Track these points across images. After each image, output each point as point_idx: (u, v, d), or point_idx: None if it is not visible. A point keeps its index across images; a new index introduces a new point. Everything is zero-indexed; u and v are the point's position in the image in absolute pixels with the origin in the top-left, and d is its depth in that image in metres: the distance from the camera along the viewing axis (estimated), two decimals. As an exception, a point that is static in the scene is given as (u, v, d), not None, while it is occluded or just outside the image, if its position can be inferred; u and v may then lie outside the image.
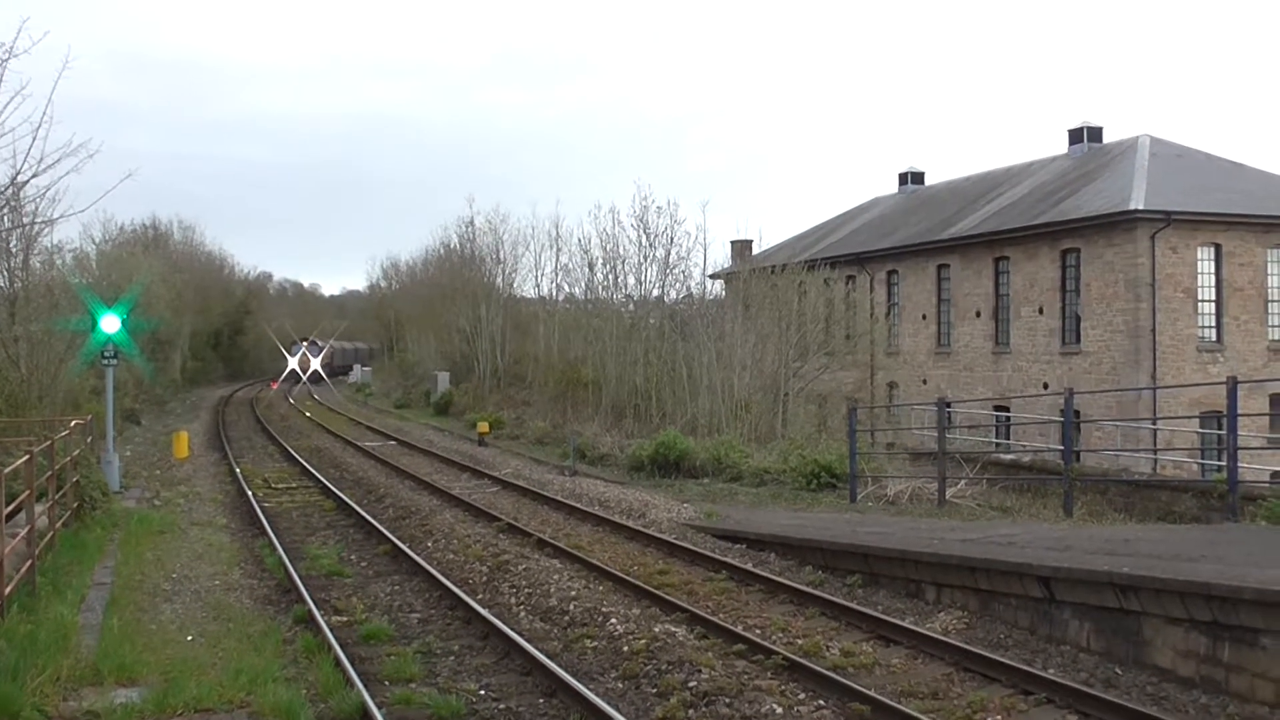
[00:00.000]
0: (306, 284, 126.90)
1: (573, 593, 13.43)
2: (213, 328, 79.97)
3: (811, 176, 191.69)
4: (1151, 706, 9.01)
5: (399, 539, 17.45)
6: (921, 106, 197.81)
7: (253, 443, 36.93)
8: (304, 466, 28.43)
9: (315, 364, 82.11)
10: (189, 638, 11.09)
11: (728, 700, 9.37)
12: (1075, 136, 42.17)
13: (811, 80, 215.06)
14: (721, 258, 50.51)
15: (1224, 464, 17.25)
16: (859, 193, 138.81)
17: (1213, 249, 33.30)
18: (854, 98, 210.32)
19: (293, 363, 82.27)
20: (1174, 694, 9.40)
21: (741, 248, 52.61)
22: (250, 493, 22.81)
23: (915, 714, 8.75)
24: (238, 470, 26.93)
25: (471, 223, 60.47)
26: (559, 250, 51.52)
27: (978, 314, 38.95)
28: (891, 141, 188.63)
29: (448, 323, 58.15)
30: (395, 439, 37.41)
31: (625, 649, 11.06)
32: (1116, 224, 32.84)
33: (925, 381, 41.02)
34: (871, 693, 9.31)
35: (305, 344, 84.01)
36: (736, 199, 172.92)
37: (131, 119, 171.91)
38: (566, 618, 12.46)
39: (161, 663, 9.78)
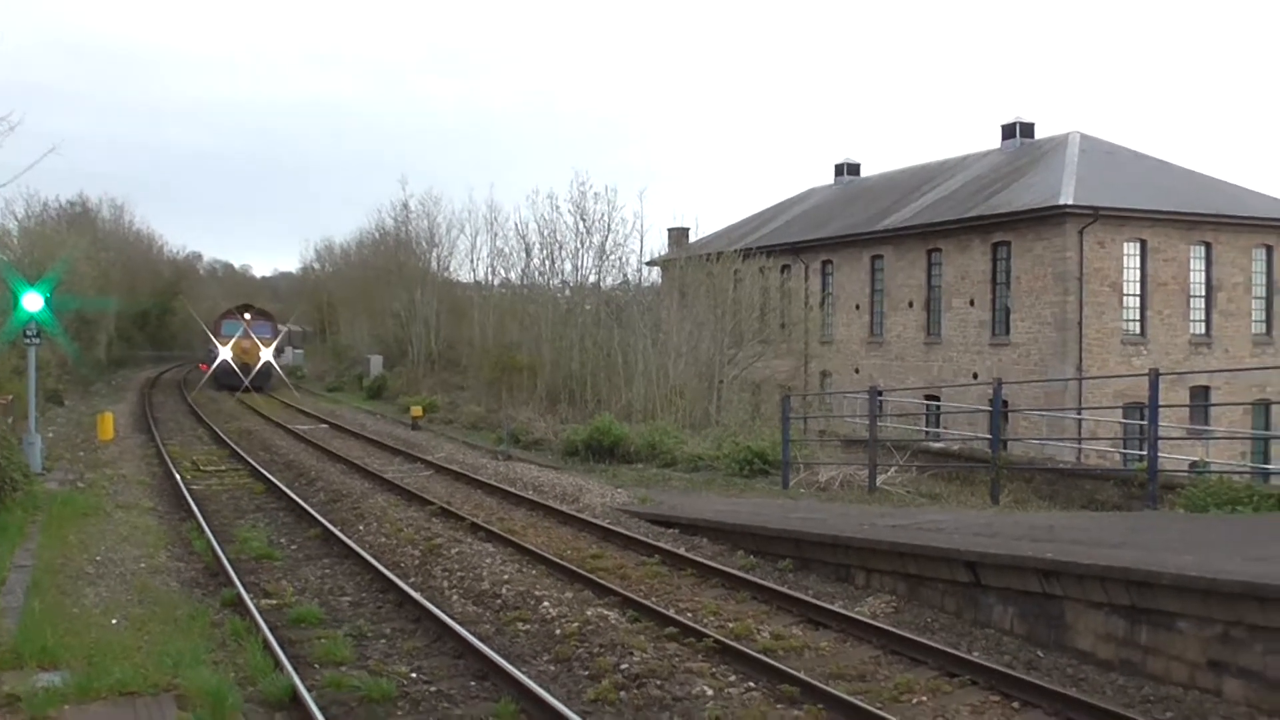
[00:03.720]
0: (237, 265, 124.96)
1: (506, 576, 13.42)
2: (140, 308, 78.26)
3: (749, 166, 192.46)
4: (1071, 688, 9.23)
5: (330, 522, 17.31)
6: (859, 99, 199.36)
7: (180, 425, 36.36)
8: (233, 449, 28.05)
9: (266, 354, 53.54)
10: (114, 621, 10.91)
11: (659, 682, 9.43)
12: (1008, 132, 42.82)
13: (749, 72, 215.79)
14: (659, 245, 50.65)
15: (1145, 453, 17.64)
16: (796, 183, 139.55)
17: (1138, 244, 34.03)
18: (792, 89, 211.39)
19: (224, 352, 52.79)
20: (1093, 676, 9.64)
21: (679, 235, 52.74)
22: (178, 475, 22.48)
23: (843, 695, 8.88)
24: (165, 452, 26.51)
25: (405, 205, 59.97)
26: (495, 235, 51.31)
27: (910, 305, 39.43)
28: (828, 133, 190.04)
29: (381, 306, 57.66)
30: (327, 422, 37.06)
31: (558, 632, 11.09)
32: (1046, 218, 33.42)
33: (858, 370, 41.46)
34: (801, 675, 9.43)
35: (246, 318, 54.72)
36: (675, 188, 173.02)
37: (65, 102, 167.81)
38: (499, 601, 12.46)
39: (85, 646, 9.61)
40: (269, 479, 22.29)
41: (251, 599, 12.16)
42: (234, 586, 12.70)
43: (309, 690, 9.10)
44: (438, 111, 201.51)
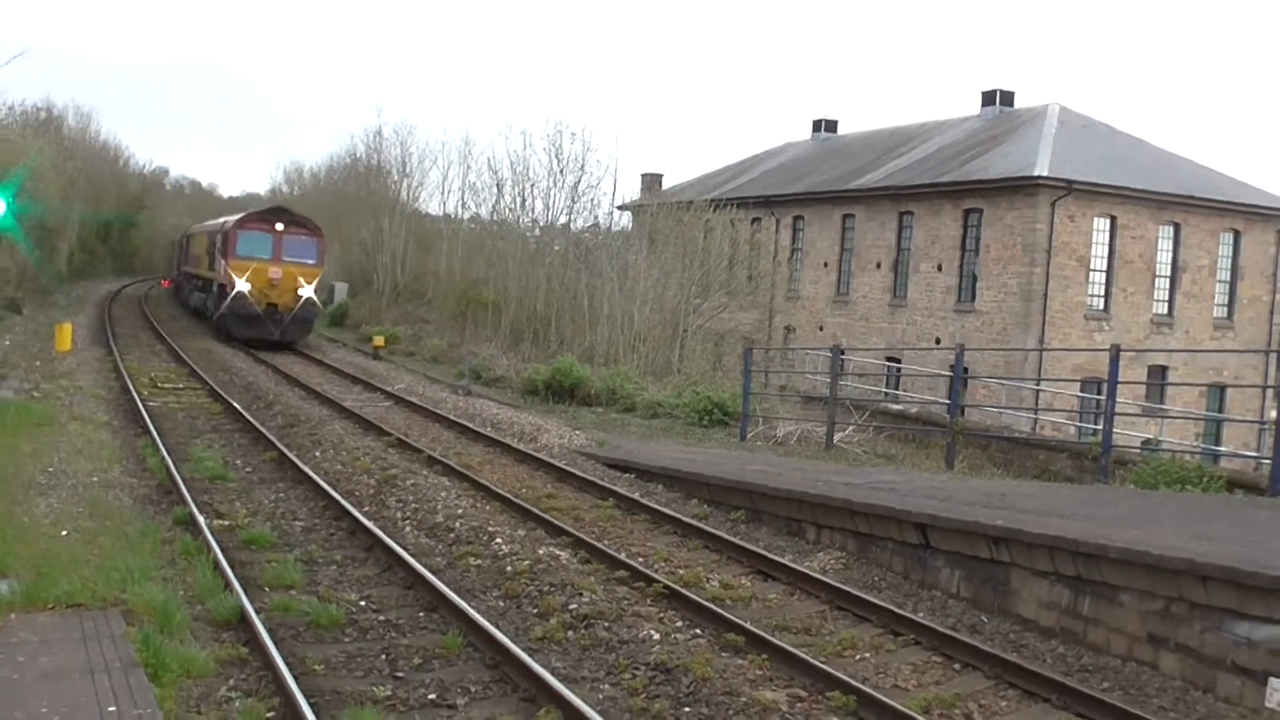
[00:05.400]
0: (205, 183, 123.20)
1: (460, 511, 13.44)
2: (104, 220, 76.96)
3: (728, 118, 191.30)
4: (1011, 653, 9.39)
5: (286, 447, 17.24)
6: (842, 56, 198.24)
7: (140, 340, 35.98)
8: (192, 368, 27.83)
9: (308, 290, 34.53)
10: (64, 533, 10.84)
11: (607, 624, 9.51)
12: (988, 99, 42.76)
13: (733, 24, 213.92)
14: (632, 191, 50.41)
15: (1100, 428, 17.86)
16: (773, 136, 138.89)
17: (1109, 220, 34.20)
18: (775, 43, 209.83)
19: (240, 284, 33.81)
20: (1034, 643, 9.81)
21: (651, 181, 52.51)
22: (135, 391, 22.28)
23: (787, 647, 8.99)
24: (123, 367, 26.24)
25: (379, 133, 59.29)
26: (468, 168, 50.91)
27: (878, 266, 39.52)
28: (808, 88, 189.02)
29: (349, 233, 57.08)
30: (288, 347, 36.75)
31: (509, 569, 11.14)
32: (1019, 188, 33.48)
33: (822, 328, 41.59)
34: (747, 624, 9.54)
35: (278, 229, 34.84)
36: (652, 134, 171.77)
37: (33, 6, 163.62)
38: (452, 535, 12.48)
39: (33, 556, 9.55)
40: (226, 400, 22.13)
41: (203, 519, 12.11)
42: (186, 505, 12.64)
43: (257, 612, 9.11)
44: (414, 49, 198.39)
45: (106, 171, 77.29)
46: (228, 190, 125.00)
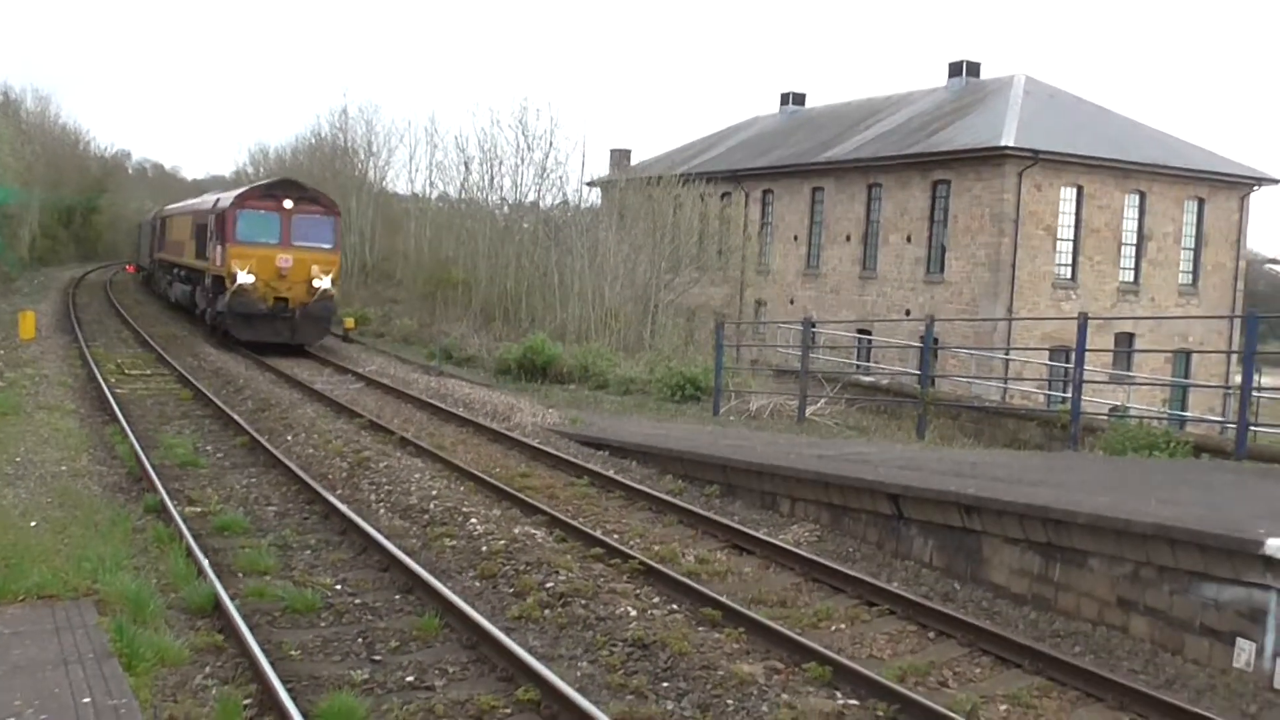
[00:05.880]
0: (168, 166, 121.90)
1: (434, 492, 13.42)
2: (65, 204, 75.98)
3: (696, 92, 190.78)
4: (985, 620, 9.49)
5: (257, 431, 17.14)
6: (809, 29, 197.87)
7: (105, 326, 35.63)
8: (159, 353, 27.59)
9: (325, 281, 28.50)
10: (33, 524, 10.74)
11: (584, 601, 9.53)
12: (954, 70, 42.87)
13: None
14: (601, 167, 50.24)
15: (1069, 396, 18.02)
16: (742, 110, 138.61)
17: (1075, 190, 34.41)
18: (742, 15, 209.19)
19: (242, 276, 27.64)
20: (1006, 610, 9.91)
21: (620, 157, 52.35)
22: (102, 378, 22.07)
23: (763, 620, 9.05)
24: (89, 354, 25.99)
25: (344, 112, 58.85)
26: (435, 147, 50.66)
27: (848, 238, 39.62)
28: (776, 61, 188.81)
29: (316, 214, 56.57)
30: (257, 330, 36.45)
31: (484, 549, 11.14)
32: (987, 159, 33.62)
33: (793, 301, 41.69)
34: (723, 599, 9.58)
35: (286, 206, 28.52)
36: (620, 110, 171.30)
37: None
38: (426, 516, 12.46)
39: (2, 547, 9.46)
40: (195, 385, 21.97)
41: (175, 506, 12.03)
42: (157, 493, 12.54)
43: (232, 599, 9.07)
44: (379, 29, 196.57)
45: (67, 155, 76.30)
46: (191, 173, 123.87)
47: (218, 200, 31.15)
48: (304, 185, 30.59)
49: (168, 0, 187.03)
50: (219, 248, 28.90)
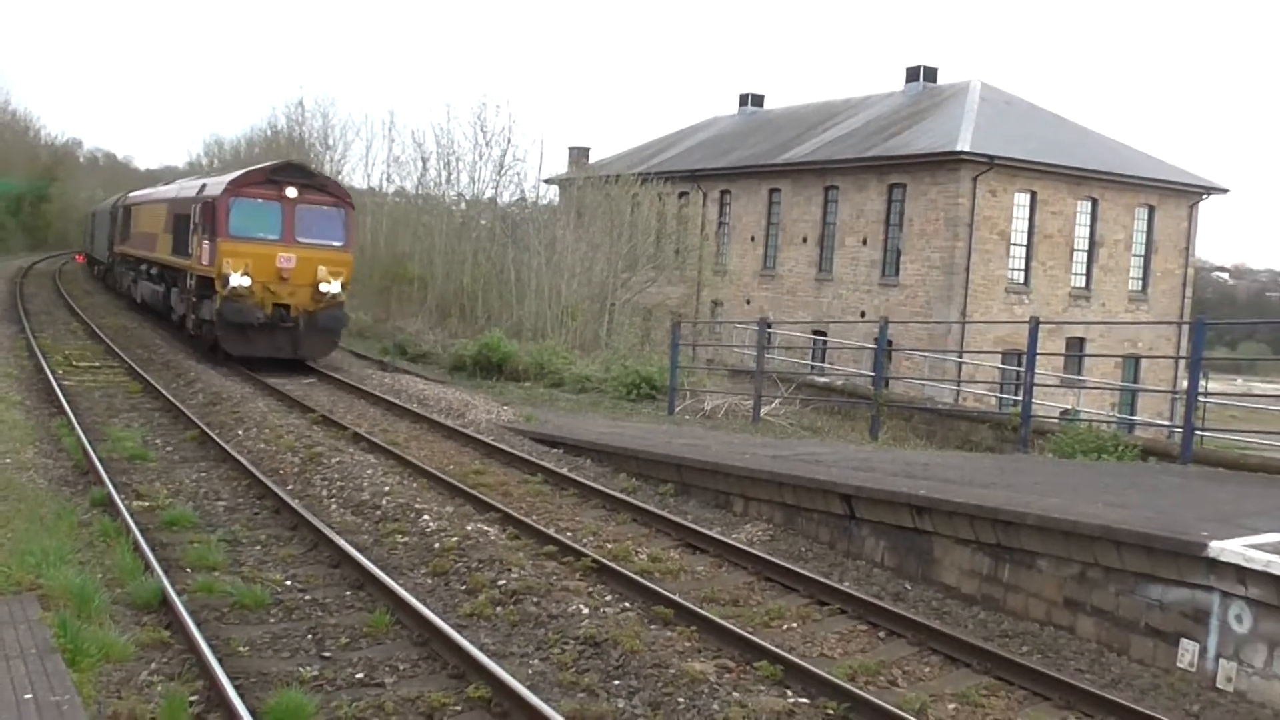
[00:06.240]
0: (121, 155, 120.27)
1: (386, 488, 13.33)
2: (14, 192, 74.66)
3: (656, 92, 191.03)
4: (935, 620, 9.57)
5: (208, 425, 16.95)
6: (769, 31, 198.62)
7: (54, 317, 35.07)
8: (109, 345, 27.20)
9: (334, 285, 24.04)
10: (-25, 516, 10.57)
11: (536, 599, 9.50)
12: (912, 75, 43.19)
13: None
14: (559, 165, 50.15)
15: (1020, 399, 18.21)
16: (701, 110, 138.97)
17: (1029, 195, 34.79)
18: (702, 16, 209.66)
19: (235, 278, 23.23)
20: (956, 609, 10.00)
21: (579, 155, 52.26)
22: (49, 369, 21.73)
23: (715, 618, 9.07)
24: (36, 345, 25.58)
25: (300, 105, 58.40)
26: (392, 141, 50.34)
27: (804, 240, 39.80)
28: (736, 63, 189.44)
29: (271, 207, 56.03)
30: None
31: (437, 545, 11.08)
32: (942, 164, 33.90)
33: (749, 302, 41.83)
34: (675, 597, 9.60)
35: (289, 196, 23.93)
36: (579, 108, 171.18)
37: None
38: (379, 512, 12.38)
39: (-56, 540, 9.31)
40: (145, 378, 21.69)
41: (122, 499, 11.87)
42: (104, 486, 12.36)
43: (179, 594, 8.96)
44: (337, 22, 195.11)
45: (16, 142, 75.10)
46: (145, 163, 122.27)
47: (204, 186, 26.56)
48: (310, 170, 26.28)
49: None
50: (207, 243, 24.29)
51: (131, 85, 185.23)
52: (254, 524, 11.91)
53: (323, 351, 24.92)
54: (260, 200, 23.89)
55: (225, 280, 23.28)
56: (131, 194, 39.82)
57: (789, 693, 7.93)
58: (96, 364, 24.39)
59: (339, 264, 24.24)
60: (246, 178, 24.54)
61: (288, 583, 9.91)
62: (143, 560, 9.73)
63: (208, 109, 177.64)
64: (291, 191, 24.00)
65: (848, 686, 7.81)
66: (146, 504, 12.30)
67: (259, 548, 11.04)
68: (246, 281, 23.26)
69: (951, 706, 7.92)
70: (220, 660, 7.66)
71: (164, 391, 20.01)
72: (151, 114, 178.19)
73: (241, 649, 8.27)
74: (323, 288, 23.88)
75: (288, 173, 24.58)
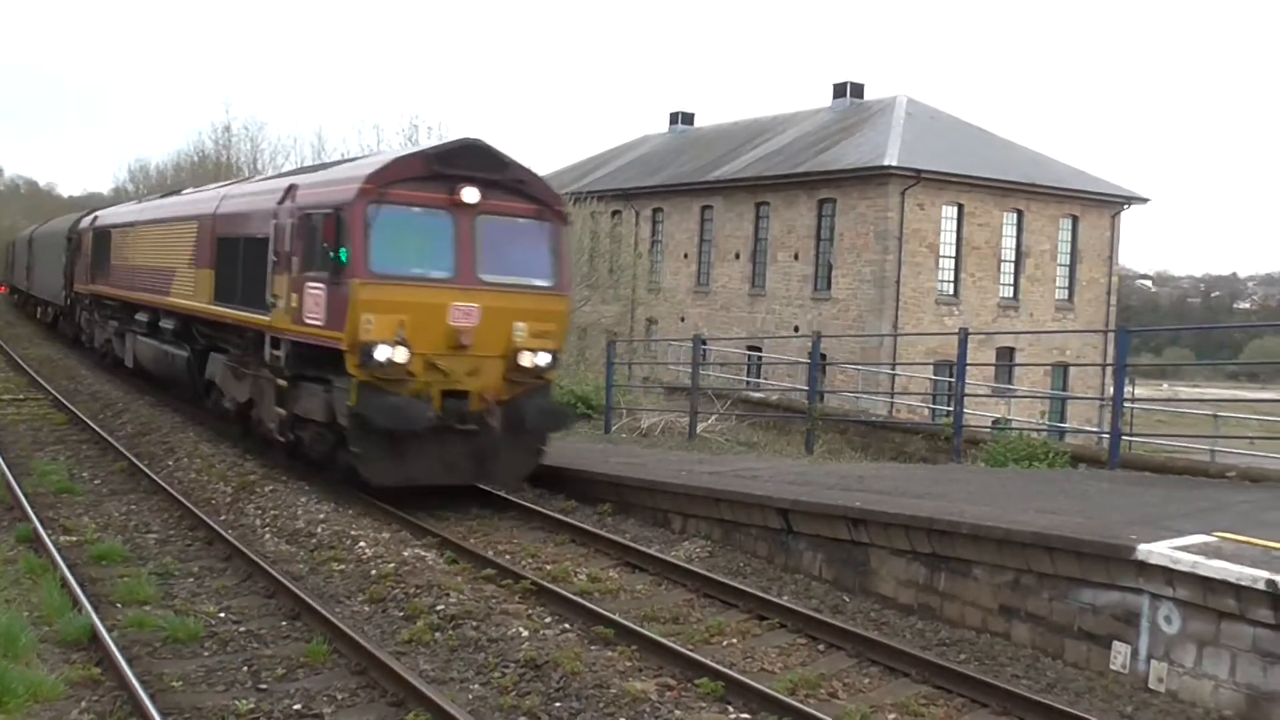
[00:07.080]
0: (42, 183, 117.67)
1: (321, 516, 13.16)
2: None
3: (586, 111, 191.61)
4: (873, 631, 9.64)
5: (136, 456, 16.64)
6: (698, 49, 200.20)
7: (-26, 350, 34.27)
8: (33, 377, 26.64)
9: (545, 357, 13.83)
10: (-106, 555, 10.29)
11: (475, 623, 9.43)
12: (839, 91, 43.74)
13: (589, 15, 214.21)
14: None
15: (952, 409, 18.45)
16: (631, 129, 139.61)
17: (956, 208, 35.35)
18: (631, 34, 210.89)
19: (384, 350, 12.79)
20: (894, 620, 10.08)
21: (511, 176, 51.94)
22: (-30, 403, 21.22)
23: (656, 637, 9.07)
24: (-44, 379, 24.97)
25: (228, 129, 57.61)
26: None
27: (737, 256, 40.08)
28: (665, 81, 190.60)
29: (198, 233, 55.12)
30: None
31: (374, 572, 10.96)
32: (871, 178, 34.35)
33: (684, 319, 41.99)
34: (615, 616, 9.58)
35: (467, 202, 13.26)
36: (509, 130, 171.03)
37: None
38: (314, 540, 12.22)
39: None
40: (71, 410, 21.26)
41: (49, 535, 11.62)
42: (29, 521, 12.10)
43: (109, 630, 8.78)
44: (263, 43, 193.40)
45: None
46: (67, 190, 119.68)
47: (293, 186, 15.17)
48: (499, 155, 14.21)
49: (39, 10, 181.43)
50: (320, 286, 13.69)
51: (50, 110, 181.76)
52: (186, 556, 11.71)
53: (526, 466, 14.66)
54: (419, 210, 13.57)
55: (368, 353, 13.00)
56: (106, 211, 30.58)
57: (730, 709, 7.95)
58: (20, 397, 23.88)
59: (548, 318, 14.20)
60: (393, 168, 13.67)
61: (222, 615, 9.75)
62: (71, 596, 9.53)
63: (131, 133, 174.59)
64: (470, 194, 13.61)
65: (788, 700, 7.84)
66: (74, 539, 12.04)
67: (192, 580, 10.85)
68: (404, 356, 13.11)
69: (891, 717, 7.99)
70: (153, 696, 7.52)
71: (91, 423, 19.64)
72: (73, 140, 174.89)
73: (175, 684, 8.11)
74: (523, 360, 13.85)
75: (463, 161, 13.84)
